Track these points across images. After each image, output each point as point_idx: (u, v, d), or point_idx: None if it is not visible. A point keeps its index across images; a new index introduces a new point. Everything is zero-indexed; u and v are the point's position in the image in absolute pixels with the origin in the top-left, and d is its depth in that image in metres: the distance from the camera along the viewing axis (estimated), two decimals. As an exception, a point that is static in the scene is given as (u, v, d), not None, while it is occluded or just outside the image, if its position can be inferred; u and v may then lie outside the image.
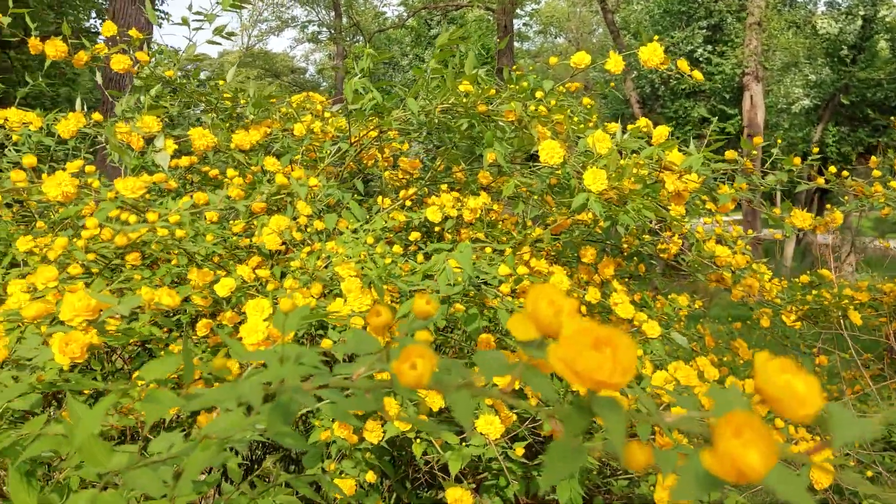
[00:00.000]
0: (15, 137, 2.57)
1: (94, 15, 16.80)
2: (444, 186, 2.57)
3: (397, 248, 1.82)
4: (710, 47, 21.58)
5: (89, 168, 1.73)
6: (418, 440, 1.63)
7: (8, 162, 2.54)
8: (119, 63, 2.46)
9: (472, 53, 2.18)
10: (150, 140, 2.28)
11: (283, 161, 2.57)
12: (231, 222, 2.16)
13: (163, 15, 15.73)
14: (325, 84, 32.14)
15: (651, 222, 2.37)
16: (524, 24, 21.66)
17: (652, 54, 1.97)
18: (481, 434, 1.56)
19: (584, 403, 0.51)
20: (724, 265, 2.39)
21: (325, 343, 1.55)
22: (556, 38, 33.69)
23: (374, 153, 2.79)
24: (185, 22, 2.41)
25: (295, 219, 2.26)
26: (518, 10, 18.17)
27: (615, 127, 1.99)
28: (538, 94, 2.13)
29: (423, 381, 0.53)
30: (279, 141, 2.73)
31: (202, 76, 2.85)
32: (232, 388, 0.57)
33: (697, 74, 2.09)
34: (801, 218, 2.23)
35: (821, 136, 23.51)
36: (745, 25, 19.40)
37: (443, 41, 2.07)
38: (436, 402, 1.56)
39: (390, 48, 26.39)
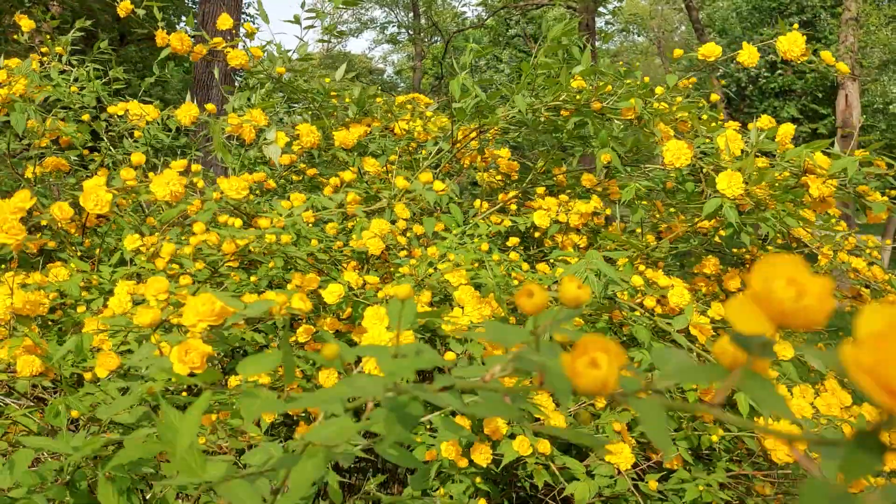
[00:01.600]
0: (137, 134, 2.59)
1: (184, 18, 17.39)
2: (540, 189, 2.42)
3: (514, 255, 1.69)
4: (802, 44, 20.63)
5: (195, 167, 1.67)
6: (539, 467, 1.49)
7: (124, 153, 2.57)
8: (236, 58, 2.45)
9: (586, 51, 2.04)
10: (258, 134, 2.25)
11: (380, 161, 2.48)
12: (325, 225, 2.08)
13: (248, 17, 16.11)
14: (402, 85, 32.39)
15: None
16: (606, 23, 21.22)
17: (792, 44, 1.78)
18: (609, 463, 1.41)
19: (873, 435, 0.36)
20: (861, 279, 2.16)
21: (449, 356, 1.44)
22: (637, 36, 32.86)
23: (474, 154, 2.67)
24: (296, 20, 2.36)
25: (394, 222, 2.17)
26: (600, 9, 17.79)
27: (735, 124, 1.81)
28: (658, 91, 1.96)
29: (610, 384, 0.40)
30: (375, 141, 2.65)
31: (286, 77, 2.82)
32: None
33: (842, 67, 1.88)
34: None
35: (922, 138, 22.14)
36: (841, 21, 18.43)
37: (556, 34, 1.93)
38: (559, 420, 1.43)
39: (464, 49, 26.31)
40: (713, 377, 0.46)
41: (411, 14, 28.64)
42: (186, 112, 2.10)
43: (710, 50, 1.88)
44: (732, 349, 0.45)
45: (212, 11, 11.39)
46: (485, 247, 1.68)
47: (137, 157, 1.62)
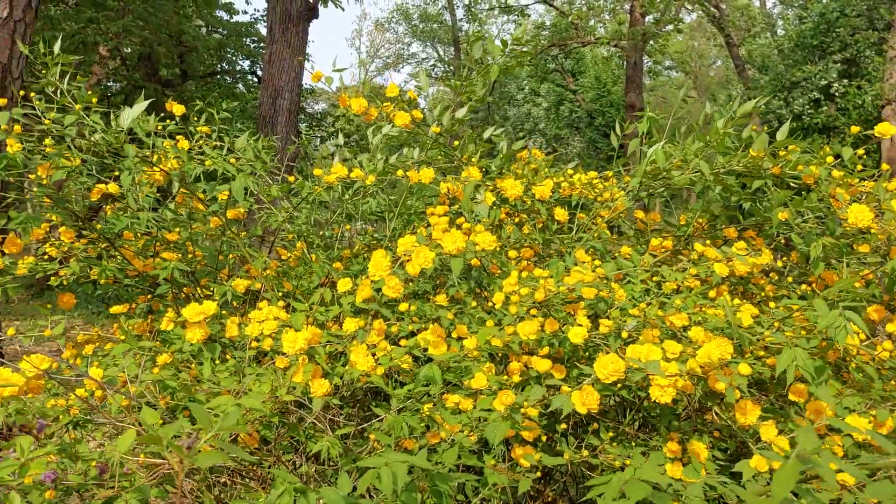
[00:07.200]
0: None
1: (243, 58, 18.16)
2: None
3: (740, 302, 2.00)
4: (845, 81, 20.78)
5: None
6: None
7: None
8: (402, 119, 2.77)
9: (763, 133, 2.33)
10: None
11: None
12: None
13: (309, 59, 16.79)
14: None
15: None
16: (654, 61, 21.63)
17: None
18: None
19: None
20: None
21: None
22: (670, 70, 33.27)
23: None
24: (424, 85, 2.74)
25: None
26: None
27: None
28: (829, 160, 2.28)
29: None
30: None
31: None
32: None
33: None
34: None
35: (969, 175, 21.98)
36: (886, 59, 18.60)
37: (746, 110, 2.26)
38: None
39: (507, 83, 26.88)
40: None
41: (452, 49, 29.33)
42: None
43: (886, 129, 2.18)
44: None
45: (279, 52, 12.02)
46: (712, 293, 1.99)
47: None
